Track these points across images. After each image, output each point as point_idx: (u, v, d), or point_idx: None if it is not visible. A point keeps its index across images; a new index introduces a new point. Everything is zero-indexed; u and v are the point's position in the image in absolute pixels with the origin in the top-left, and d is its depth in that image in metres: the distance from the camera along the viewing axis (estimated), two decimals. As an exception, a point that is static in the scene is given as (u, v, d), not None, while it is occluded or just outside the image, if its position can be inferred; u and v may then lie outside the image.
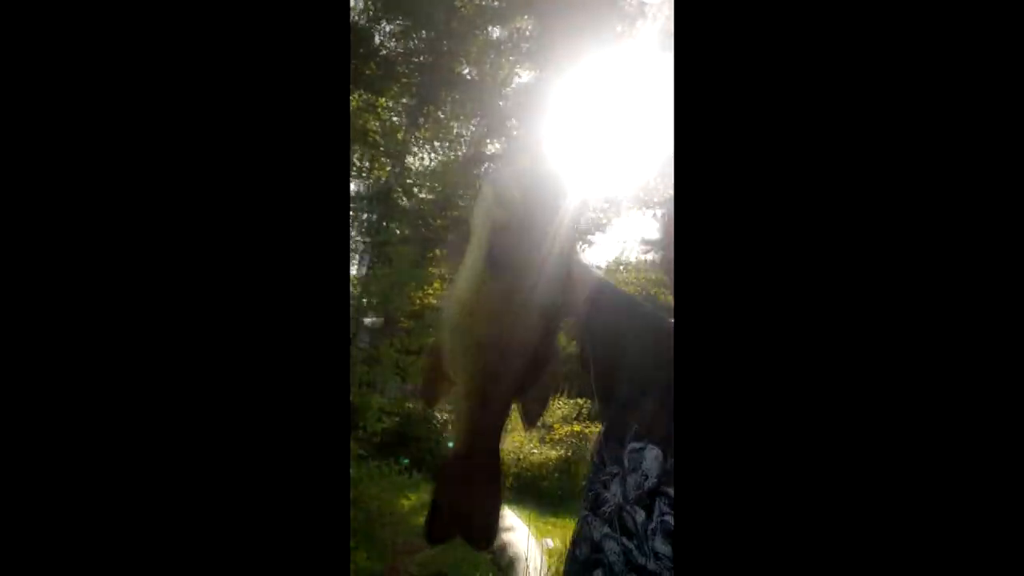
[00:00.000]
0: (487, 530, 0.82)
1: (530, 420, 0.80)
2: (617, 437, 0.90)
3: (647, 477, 0.83)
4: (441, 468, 0.86)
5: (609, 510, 0.85)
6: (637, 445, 0.87)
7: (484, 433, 0.79)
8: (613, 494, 0.86)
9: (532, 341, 0.79)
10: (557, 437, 8.73)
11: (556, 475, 8.12)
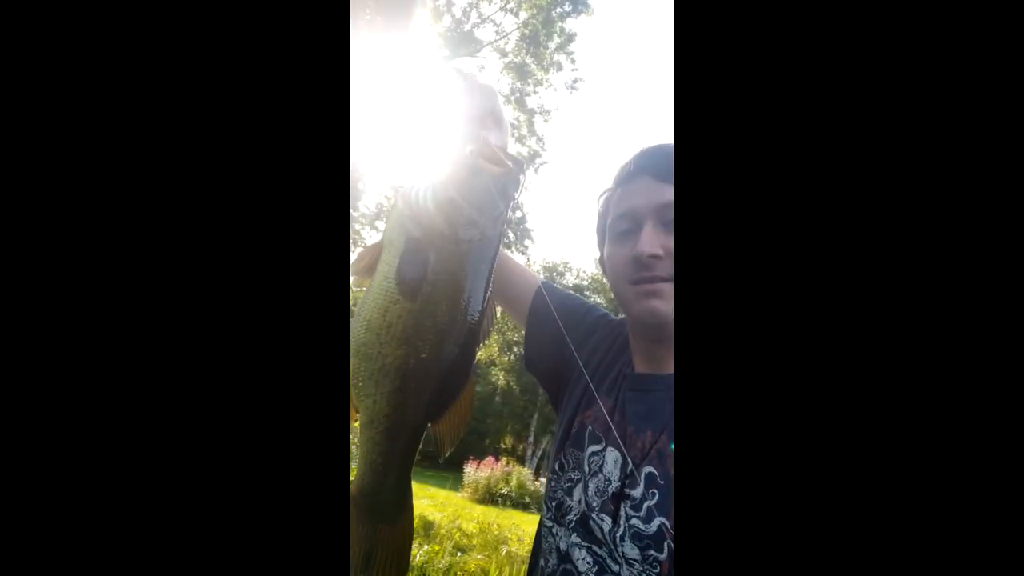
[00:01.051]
0: (397, 571, 0.76)
1: (443, 448, 0.75)
2: (575, 441, 0.86)
3: (609, 481, 0.79)
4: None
5: (575, 518, 0.81)
6: (596, 448, 0.84)
7: (390, 467, 0.73)
8: (577, 501, 0.82)
9: (445, 366, 0.74)
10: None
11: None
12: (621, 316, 0.98)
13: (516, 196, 0.79)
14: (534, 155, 12.97)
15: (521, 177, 0.79)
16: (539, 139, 13.13)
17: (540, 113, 13.06)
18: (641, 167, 0.85)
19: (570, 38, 12.67)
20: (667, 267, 0.79)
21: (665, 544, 0.71)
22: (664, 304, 0.80)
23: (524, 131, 13.09)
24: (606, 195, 0.91)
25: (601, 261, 0.94)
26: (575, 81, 13.25)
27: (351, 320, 0.71)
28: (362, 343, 0.71)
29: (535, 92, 12.96)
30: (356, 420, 0.73)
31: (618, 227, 0.85)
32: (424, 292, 0.72)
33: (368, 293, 0.72)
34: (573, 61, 13.05)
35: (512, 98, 12.88)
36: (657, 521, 0.72)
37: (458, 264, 0.74)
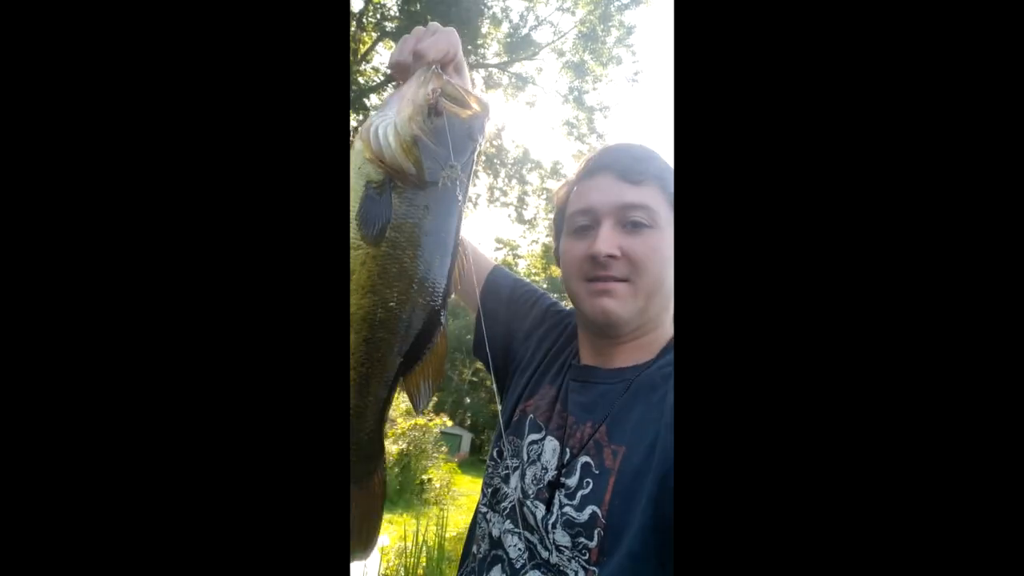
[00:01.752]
0: (368, 533, 0.71)
1: (419, 403, 0.71)
2: (515, 429, 0.87)
3: (546, 470, 0.79)
4: None
5: (510, 505, 0.81)
6: (536, 437, 0.84)
7: (361, 424, 0.69)
8: (513, 488, 0.82)
9: (415, 315, 0.69)
10: (400, 431, 8.51)
11: (396, 470, 8.04)
12: (570, 306, 0.96)
13: (481, 141, 0.74)
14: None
15: (487, 121, 0.74)
16: (599, 136, 12.97)
17: (600, 109, 12.90)
18: (604, 164, 0.83)
19: (629, 31, 12.47)
20: (622, 268, 0.78)
21: (595, 532, 0.71)
22: (616, 304, 0.78)
23: (584, 129, 12.97)
24: (566, 188, 0.90)
25: (556, 252, 0.92)
26: (636, 74, 13.01)
27: None
28: (322, 292, 0.67)
29: (594, 89, 12.82)
30: None
31: (576, 222, 0.83)
32: (389, 237, 0.68)
33: None
34: (633, 53, 12.84)
35: (571, 97, 12.80)
36: (589, 509, 0.72)
37: (423, 208, 0.70)
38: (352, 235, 0.67)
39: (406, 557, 3.84)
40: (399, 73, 0.78)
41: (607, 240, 0.78)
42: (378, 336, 0.68)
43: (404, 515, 5.72)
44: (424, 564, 3.88)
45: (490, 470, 0.88)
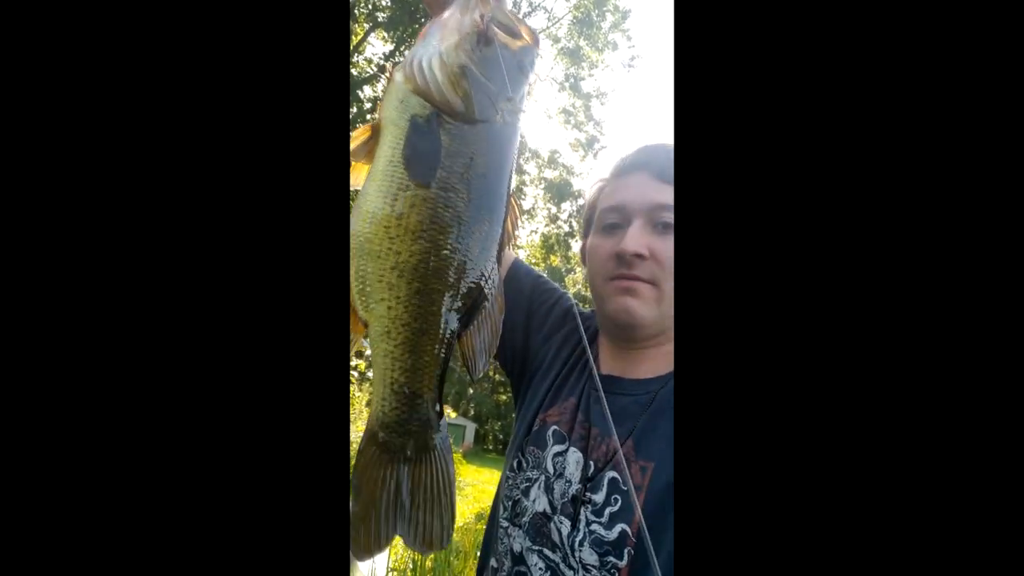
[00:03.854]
0: (440, 530, 0.63)
1: (476, 368, 0.64)
2: (536, 440, 0.83)
3: (570, 483, 0.76)
4: (361, 451, 0.62)
5: (528, 520, 0.78)
6: (560, 448, 0.80)
7: (418, 387, 0.62)
8: (533, 501, 0.78)
9: (471, 264, 0.62)
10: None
11: None
12: (589, 309, 0.94)
13: (532, 77, 0.67)
14: (592, 140, 12.72)
15: (538, 52, 0.67)
16: (596, 124, 12.86)
17: (596, 96, 12.79)
18: (640, 162, 0.81)
19: (624, 15, 12.34)
20: (649, 269, 0.75)
21: (625, 551, 0.69)
22: (639, 304, 0.76)
23: (581, 117, 12.86)
24: (599, 185, 0.87)
25: (582, 251, 0.89)
26: (632, 59, 12.90)
27: (350, 217, 0.61)
28: (366, 239, 0.60)
29: (590, 75, 12.71)
30: (363, 333, 0.62)
31: (606, 219, 0.81)
32: (440, 177, 0.61)
33: (369, 182, 0.61)
34: (629, 38, 12.71)
35: (567, 84, 12.69)
36: (619, 528, 0.70)
37: (475, 147, 0.62)
38: (396, 175, 0.60)
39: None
40: (434, 4, 0.70)
41: (635, 239, 0.75)
42: (431, 287, 0.61)
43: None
44: (432, 556, 3.83)
45: (508, 481, 0.84)
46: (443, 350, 0.62)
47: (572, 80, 12.53)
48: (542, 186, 14.01)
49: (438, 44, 0.63)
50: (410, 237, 0.60)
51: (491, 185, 0.63)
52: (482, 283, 0.63)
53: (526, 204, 14.15)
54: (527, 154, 13.58)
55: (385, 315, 0.60)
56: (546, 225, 14.85)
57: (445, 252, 0.61)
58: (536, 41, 0.67)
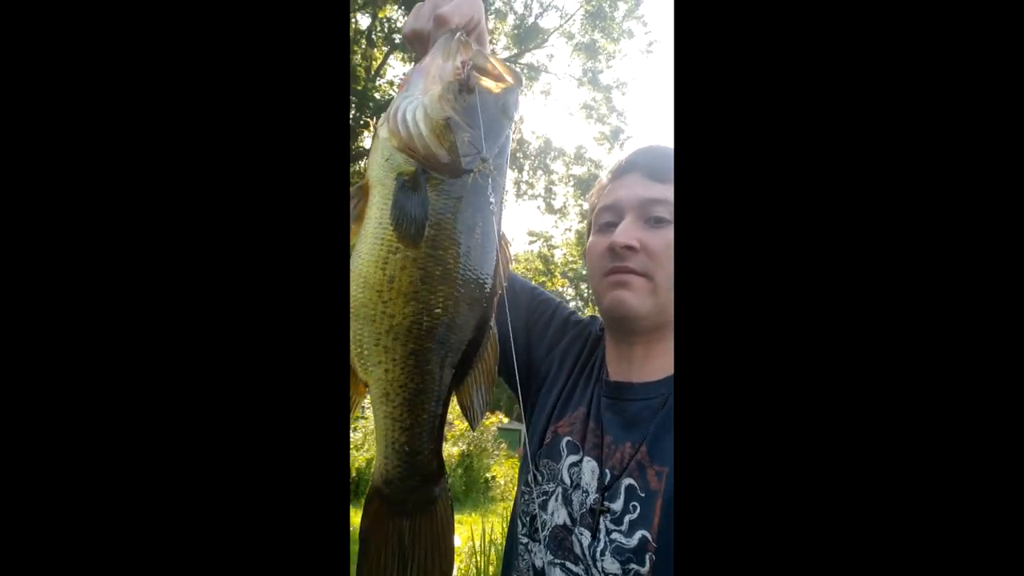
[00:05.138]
0: (443, 565, 0.64)
1: (475, 419, 0.63)
2: (550, 452, 0.83)
3: (587, 493, 0.76)
4: (367, 504, 0.64)
5: (548, 533, 0.78)
6: (575, 459, 0.80)
7: (418, 445, 0.62)
8: (551, 514, 0.78)
9: (461, 321, 0.61)
10: (458, 433, 8.73)
11: (459, 471, 8.27)
12: (588, 315, 0.96)
13: (516, 118, 0.66)
14: (617, 131, 12.56)
15: (521, 94, 0.66)
16: (619, 115, 12.70)
17: (617, 87, 12.63)
18: (633, 163, 0.82)
19: (638, 2, 12.15)
20: (640, 261, 0.76)
21: (647, 557, 0.69)
22: (632, 296, 0.76)
23: (603, 110, 12.72)
24: (597, 190, 0.89)
25: (584, 254, 0.91)
26: (650, 44, 12.70)
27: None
28: (361, 303, 0.60)
29: (608, 67, 12.55)
30: (364, 395, 0.62)
31: (602, 219, 0.83)
32: (428, 236, 0.60)
33: (360, 244, 0.61)
34: (644, 24, 12.50)
35: (586, 79, 12.58)
36: (639, 535, 0.70)
37: (463, 199, 0.62)
38: (385, 237, 0.60)
39: (477, 557, 3.83)
40: (416, 43, 0.70)
41: (626, 232, 0.76)
42: (426, 346, 0.60)
43: (472, 515, 5.76)
44: (494, 563, 3.85)
45: (525, 497, 0.84)
46: (441, 407, 0.62)
47: (591, 74, 12.41)
48: (571, 183, 13.92)
49: (421, 96, 0.62)
50: (402, 300, 0.59)
51: (480, 235, 0.62)
52: (476, 335, 0.62)
53: (556, 203, 14.09)
54: (552, 153, 13.52)
55: (383, 378, 0.60)
56: (579, 222, 14.76)
57: (438, 311, 0.60)
58: (519, 81, 0.66)
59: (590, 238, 0.86)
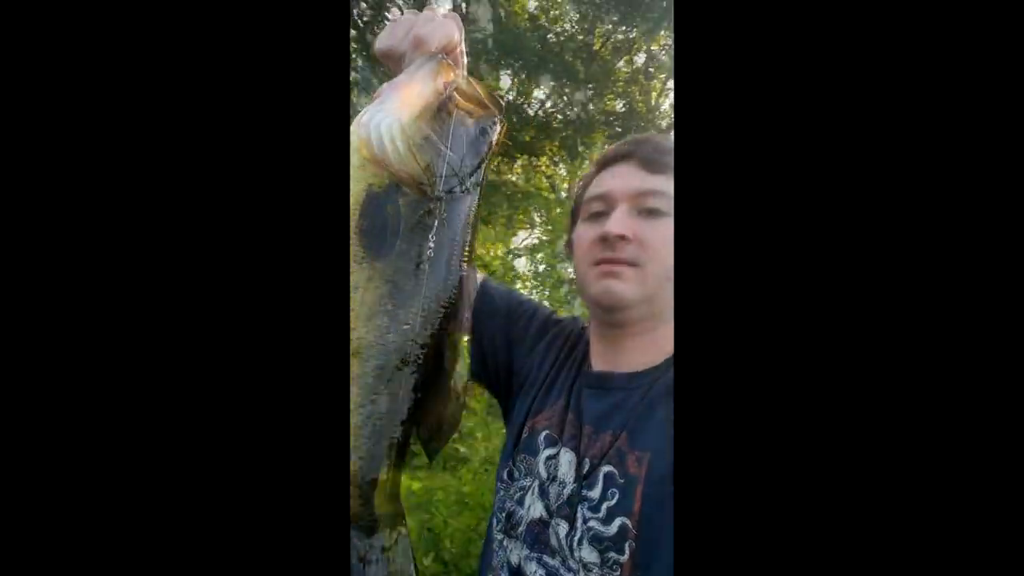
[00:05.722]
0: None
1: (431, 452, 0.59)
2: (527, 447, 0.81)
3: (564, 484, 0.75)
4: None
5: (525, 528, 0.76)
6: (552, 452, 0.79)
7: (374, 478, 0.58)
8: (528, 508, 0.77)
9: (429, 341, 0.59)
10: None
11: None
12: (567, 315, 0.97)
13: (495, 145, 0.66)
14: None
15: (500, 122, 0.66)
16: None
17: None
18: (627, 152, 0.82)
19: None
20: (632, 251, 0.75)
21: (626, 545, 0.67)
22: (622, 285, 0.76)
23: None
24: (583, 180, 0.89)
25: (567, 243, 0.90)
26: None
27: None
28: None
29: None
30: None
31: (591, 208, 0.82)
32: (398, 250, 0.58)
33: None
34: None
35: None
36: (618, 521, 0.69)
37: (435, 218, 0.60)
38: (353, 248, 0.58)
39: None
40: (388, 60, 0.70)
41: (619, 222, 0.76)
42: (392, 364, 0.57)
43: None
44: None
45: (501, 493, 0.82)
46: (402, 434, 0.58)
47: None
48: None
49: (398, 112, 0.61)
50: (367, 315, 0.57)
51: (450, 256, 0.61)
52: (440, 359, 0.60)
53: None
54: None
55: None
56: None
57: (405, 327, 0.57)
58: (500, 109, 0.66)
59: (576, 228, 0.86)
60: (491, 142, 0.65)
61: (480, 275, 0.96)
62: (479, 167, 0.63)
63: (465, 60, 0.72)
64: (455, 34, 0.67)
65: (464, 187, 0.62)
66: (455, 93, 0.63)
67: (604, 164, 0.84)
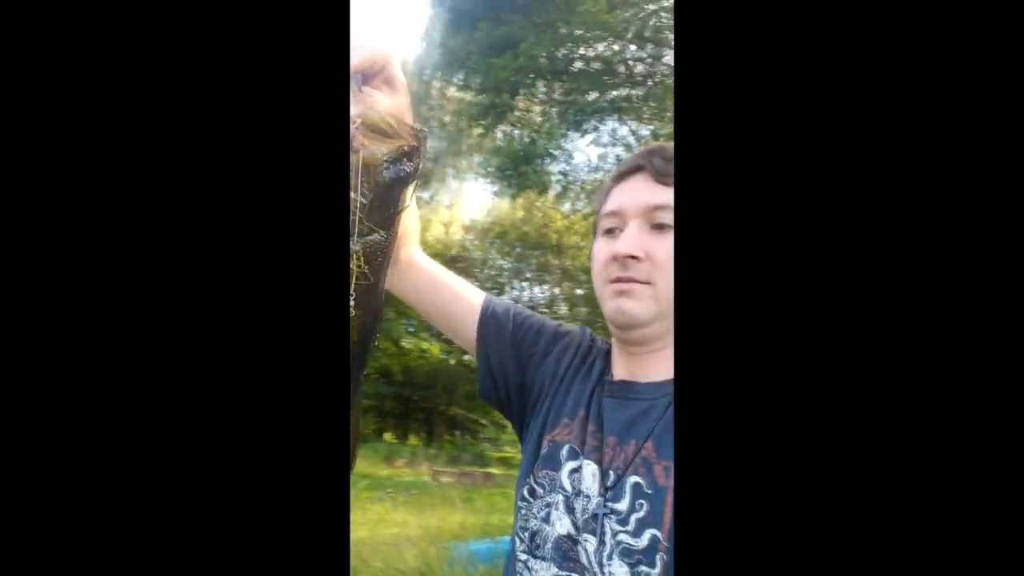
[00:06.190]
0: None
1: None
2: (548, 462, 0.81)
3: (589, 498, 0.75)
4: None
5: (552, 546, 0.76)
6: (575, 464, 0.78)
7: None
8: (554, 525, 0.77)
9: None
10: None
11: None
12: (574, 325, 0.96)
13: (414, 179, 0.61)
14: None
15: (421, 152, 0.61)
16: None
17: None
18: (638, 165, 0.81)
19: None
20: (644, 270, 0.75)
21: (657, 557, 0.66)
22: (634, 304, 0.76)
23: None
24: (603, 191, 0.87)
25: (589, 257, 0.89)
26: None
27: None
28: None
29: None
30: None
31: (605, 224, 0.82)
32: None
33: None
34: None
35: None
36: (648, 534, 0.68)
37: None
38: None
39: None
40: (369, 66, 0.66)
41: (630, 241, 0.76)
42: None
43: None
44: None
45: (523, 511, 0.82)
46: None
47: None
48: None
49: None
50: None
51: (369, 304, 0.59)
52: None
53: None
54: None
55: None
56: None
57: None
58: (421, 140, 0.62)
59: (594, 243, 0.86)
60: (408, 181, 0.61)
61: (483, 295, 0.96)
62: (391, 217, 0.60)
63: (401, 80, 0.66)
64: (381, 50, 0.62)
65: (380, 236, 0.59)
66: (363, 127, 0.59)
67: (619, 177, 0.83)
